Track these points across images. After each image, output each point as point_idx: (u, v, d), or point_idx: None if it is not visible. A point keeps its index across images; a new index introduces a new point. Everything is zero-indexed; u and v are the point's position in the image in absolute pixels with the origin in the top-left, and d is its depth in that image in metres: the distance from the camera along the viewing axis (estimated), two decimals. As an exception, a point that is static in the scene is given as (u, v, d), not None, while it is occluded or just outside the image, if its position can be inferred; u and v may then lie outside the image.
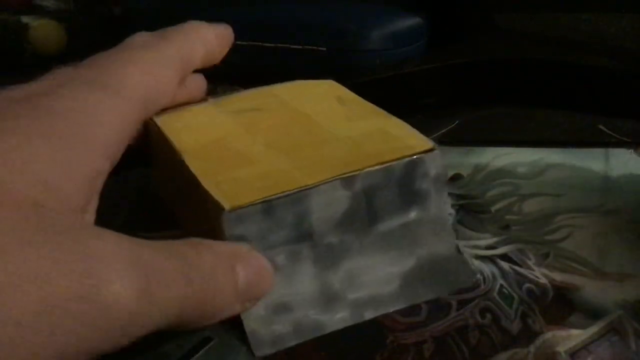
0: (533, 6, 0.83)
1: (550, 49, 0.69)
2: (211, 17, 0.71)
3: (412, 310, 0.40)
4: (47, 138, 0.31)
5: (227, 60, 0.69)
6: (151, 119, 0.48)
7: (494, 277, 0.43)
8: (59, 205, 0.30)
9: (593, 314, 0.39)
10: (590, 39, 0.73)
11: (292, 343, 0.38)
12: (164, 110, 0.49)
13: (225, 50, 0.45)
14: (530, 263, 0.44)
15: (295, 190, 0.39)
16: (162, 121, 0.48)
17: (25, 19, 0.77)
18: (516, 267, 0.43)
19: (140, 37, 0.40)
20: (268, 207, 0.39)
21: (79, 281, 0.27)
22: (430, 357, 0.37)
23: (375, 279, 0.41)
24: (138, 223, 0.49)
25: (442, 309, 0.40)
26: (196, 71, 0.58)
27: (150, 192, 0.53)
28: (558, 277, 0.43)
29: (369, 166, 0.40)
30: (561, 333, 0.38)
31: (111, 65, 0.37)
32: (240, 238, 0.39)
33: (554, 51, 0.68)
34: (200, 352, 0.38)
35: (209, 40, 0.44)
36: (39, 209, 0.28)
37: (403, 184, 0.41)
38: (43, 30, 0.77)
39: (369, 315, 0.40)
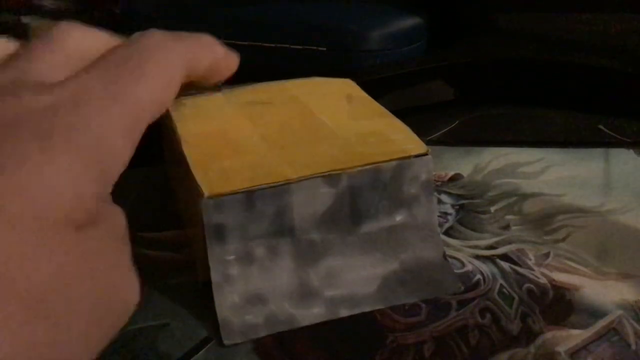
0: (533, 6, 0.83)
1: (550, 49, 0.69)
2: (211, 17, 0.71)
3: (412, 310, 0.40)
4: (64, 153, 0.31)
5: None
6: None
7: (494, 277, 0.43)
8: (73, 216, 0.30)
9: (593, 314, 0.39)
10: (590, 39, 0.73)
11: (263, 334, 0.38)
12: (179, 95, 0.50)
13: (231, 71, 0.46)
14: (530, 263, 0.44)
15: (277, 184, 0.39)
16: (173, 108, 0.48)
17: (25, 19, 0.77)
18: (516, 267, 0.43)
19: (154, 36, 0.40)
20: (248, 197, 0.39)
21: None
22: (430, 357, 0.37)
23: (355, 278, 0.41)
24: (138, 223, 0.49)
25: (442, 309, 0.40)
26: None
27: (150, 192, 0.53)
28: (558, 277, 0.43)
29: (355, 166, 0.41)
30: (561, 333, 0.38)
31: (126, 72, 0.36)
32: (219, 227, 0.39)
33: (554, 51, 0.67)
34: (200, 352, 0.38)
35: (218, 52, 0.45)
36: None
37: (391, 186, 0.41)
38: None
39: (344, 312, 0.40)
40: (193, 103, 0.50)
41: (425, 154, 0.42)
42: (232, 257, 0.39)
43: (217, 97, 0.51)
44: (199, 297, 0.42)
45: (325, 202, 0.40)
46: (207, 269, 0.39)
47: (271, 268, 0.40)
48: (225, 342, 0.38)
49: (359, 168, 0.40)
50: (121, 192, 0.53)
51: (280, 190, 0.39)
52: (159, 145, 0.53)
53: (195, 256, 0.43)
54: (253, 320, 0.38)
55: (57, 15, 0.79)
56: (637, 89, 0.61)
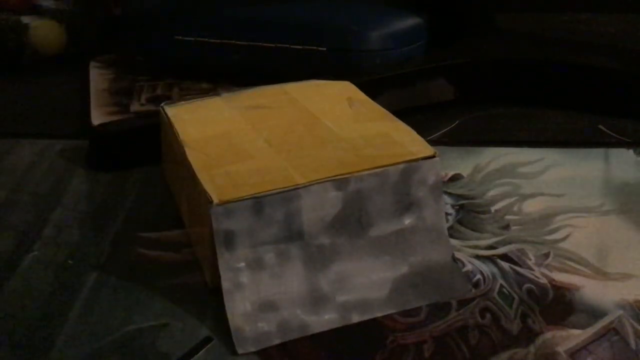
0: (533, 6, 0.83)
1: (550, 49, 0.69)
2: (211, 18, 0.71)
3: (412, 310, 0.40)
4: None
5: (227, 60, 0.69)
6: (163, 109, 0.49)
7: (494, 277, 0.43)
8: None
9: (593, 314, 0.39)
10: (590, 39, 0.73)
11: (276, 342, 0.38)
12: (177, 101, 0.50)
13: None
14: (530, 263, 0.44)
15: (286, 189, 0.39)
16: (172, 112, 0.49)
17: (25, 19, 0.77)
18: (516, 267, 0.43)
19: None
20: (257, 203, 0.39)
21: None
22: (430, 357, 0.37)
23: (365, 282, 0.40)
24: (138, 223, 0.49)
25: (442, 309, 0.40)
26: (196, 73, 0.57)
27: (150, 192, 0.53)
28: (558, 277, 0.43)
29: (364, 169, 0.40)
30: (561, 333, 0.38)
31: None
32: (229, 233, 0.39)
33: (554, 51, 0.67)
34: (200, 352, 0.38)
35: None
36: None
37: (398, 189, 0.41)
38: (43, 30, 0.77)
39: (356, 318, 0.39)
40: (192, 107, 0.50)
41: (433, 157, 0.42)
42: (242, 264, 0.39)
43: (216, 101, 0.51)
44: (200, 298, 0.42)
45: (334, 206, 0.40)
46: (216, 274, 0.39)
47: (281, 274, 0.39)
48: (239, 351, 0.37)
49: (367, 171, 0.40)
50: (121, 192, 0.54)
51: (289, 195, 0.39)
52: (158, 145, 0.53)
53: (201, 261, 0.43)
54: (265, 327, 0.38)
55: (57, 15, 0.79)
56: (637, 89, 0.61)
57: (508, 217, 0.49)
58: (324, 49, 0.66)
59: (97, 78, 0.73)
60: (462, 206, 0.50)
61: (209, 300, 0.41)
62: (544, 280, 0.42)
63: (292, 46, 0.67)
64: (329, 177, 0.39)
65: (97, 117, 0.63)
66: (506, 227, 0.48)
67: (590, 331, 0.38)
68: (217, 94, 0.52)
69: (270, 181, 0.39)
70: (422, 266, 0.41)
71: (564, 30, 0.78)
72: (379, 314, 0.40)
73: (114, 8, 0.79)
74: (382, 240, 0.41)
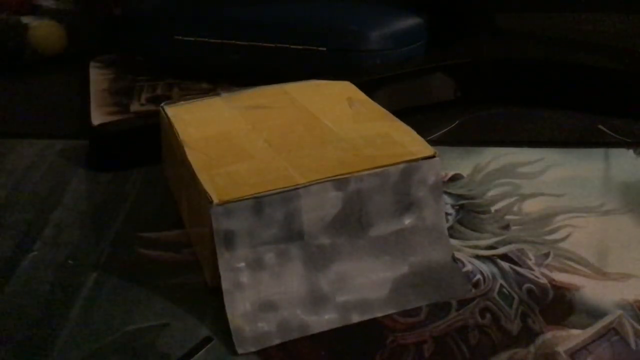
0: (533, 6, 0.83)
1: (550, 49, 0.69)
2: (211, 18, 0.71)
3: (412, 310, 0.40)
4: None
5: (227, 60, 0.70)
6: (163, 109, 0.49)
7: (494, 277, 0.43)
8: None
9: (593, 314, 0.39)
10: (590, 39, 0.73)
11: (276, 342, 0.38)
12: (177, 101, 0.50)
13: None
14: (530, 263, 0.44)
15: (286, 189, 0.39)
16: (172, 112, 0.49)
17: (25, 19, 0.77)
18: (516, 267, 0.43)
19: None
20: (257, 203, 0.39)
21: None
22: (430, 357, 0.37)
23: (365, 283, 0.40)
24: (138, 223, 0.49)
25: (442, 309, 0.40)
26: (196, 73, 0.57)
27: (150, 192, 0.53)
28: (558, 277, 0.43)
29: (364, 169, 0.40)
30: (561, 333, 0.38)
31: None
32: (229, 233, 0.39)
33: (554, 51, 0.68)
34: (200, 352, 0.38)
35: None
36: None
37: (398, 189, 0.41)
38: (43, 30, 0.77)
39: (356, 318, 0.39)
40: (192, 107, 0.50)
41: (433, 157, 0.42)
42: (242, 264, 0.39)
43: (216, 102, 0.51)
44: (200, 298, 0.42)
45: (334, 206, 0.40)
46: (216, 274, 0.39)
47: (281, 274, 0.39)
48: (239, 351, 0.37)
49: (367, 171, 0.40)
50: (121, 192, 0.54)
51: (289, 195, 0.39)
52: (158, 145, 0.53)
53: (201, 261, 0.43)
54: (265, 327, 0.38)
55: (57, 15, 0.79)
56: (637, 89, 0.61)
57: (508, 217, 0.49)
58: (324, 49, 0.66)
59: (97, 78, 0.73)
60: (462, 206, 0.50)
61: (209, 300, 0.41)
62: (544, 280, 0.42)
63: (292, 46, 0.67)
64: (329, 177, 0.40)
65: (97, 117, 0.63)
66: (506, 227, 0.48)
67: (590, 331, 0.38)
68: (217, 94, 0.52)
69: (270, 181, 0.39)
70: (422, 266, 0.41)
71: (564, 30, 0.78)
72: (379, 314, 0.40)
73: (114, 8, 0.79)
74: (382, 240, 0.41)
